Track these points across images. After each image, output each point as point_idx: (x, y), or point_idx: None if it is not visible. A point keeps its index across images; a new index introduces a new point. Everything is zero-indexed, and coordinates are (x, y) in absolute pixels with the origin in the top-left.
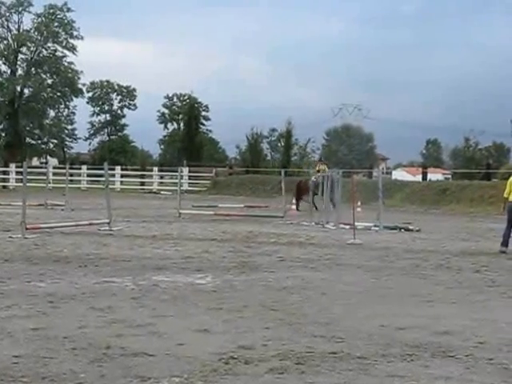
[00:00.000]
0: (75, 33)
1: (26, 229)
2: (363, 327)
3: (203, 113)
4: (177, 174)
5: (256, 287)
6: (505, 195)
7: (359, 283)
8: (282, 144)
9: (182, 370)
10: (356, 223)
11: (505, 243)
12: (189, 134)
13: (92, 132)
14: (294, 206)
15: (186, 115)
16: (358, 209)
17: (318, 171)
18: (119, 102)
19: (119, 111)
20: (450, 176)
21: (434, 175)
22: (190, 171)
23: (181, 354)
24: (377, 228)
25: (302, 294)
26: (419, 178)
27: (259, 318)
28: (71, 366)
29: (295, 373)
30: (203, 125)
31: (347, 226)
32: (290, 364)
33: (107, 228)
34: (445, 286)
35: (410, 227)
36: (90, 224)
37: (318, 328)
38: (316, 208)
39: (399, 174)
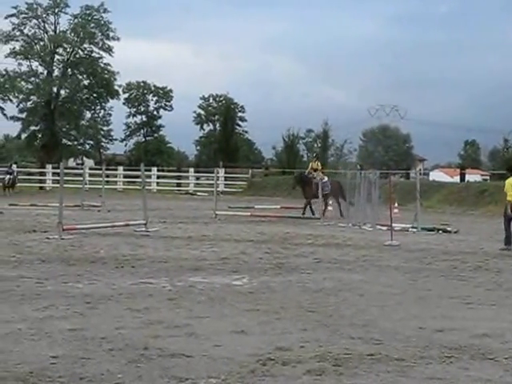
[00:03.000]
0: (111, 34)
1: (63, 230)
2: (401, 329)
3: (239, 114)
4: (213, 175)
5: (293, 289)
6: (509, 198)
7: (397, 285)
8: (319, 145)
9: (220, 371)
10: (393, 224)
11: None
12: (225, 135)
13: (128, 133)
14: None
15: (222, 116)
16: (396, 210)
17: (315, 170)
18: (155, 103)
19: (155, 112)
20: (488, 177)
21: (472, 176)
22: (226, 172)
23: (218, 355)
24: (414, 229)
25: (339, 296)
26: (457, 179)
27: (296, 320)
28: (108, 367)
29: (333, 374)
30: (239, 126)
31: (384, 228)
32: (327, 366)
33: (144, 229)
34: (484, 287)
35: (448, 229)
36: (127, 225)
37: (356, 330)
38: (313, 213)
39: (437, 175)
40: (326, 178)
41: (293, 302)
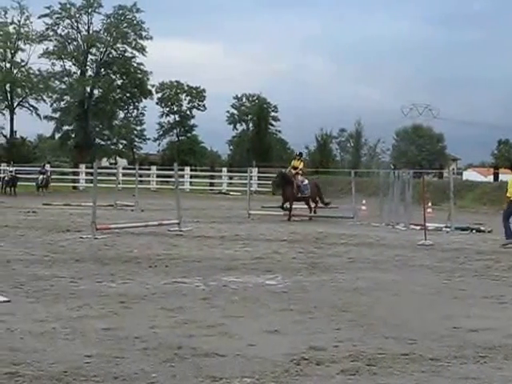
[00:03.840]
0: (144, 33)
1: (97, 229)
2: (435, 329)
3: (272, 113)
4: (246, 174)
5: (326, 288)
6: (508, 195)
7: (430, 284)
8: (352, 144)
9: (253, 370)
10: (427, 224)
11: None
12: (258, 135)
13: (161, 133)
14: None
15: (255, 116)
16: (429, 210)
17: (295, 168)
18: (188, 103)
19: (188, 112)
20: None
21: (506, 176)
22: (259, 172)
23: (252, 355)
24: (448, 229)
25: (373, 296)
26: (490, 178)
27: (330, 319)
28: (143, 366)
29: (367, 374)
30: (272, 125)
31: (418, 227)
32: (361, 365)
33: (177, 228)
34: None
35: (482, 228)
36: (160, 224)
37: (390, 329)
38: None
39: (470, 175)
40: (306, 181)
41: (326, 301)
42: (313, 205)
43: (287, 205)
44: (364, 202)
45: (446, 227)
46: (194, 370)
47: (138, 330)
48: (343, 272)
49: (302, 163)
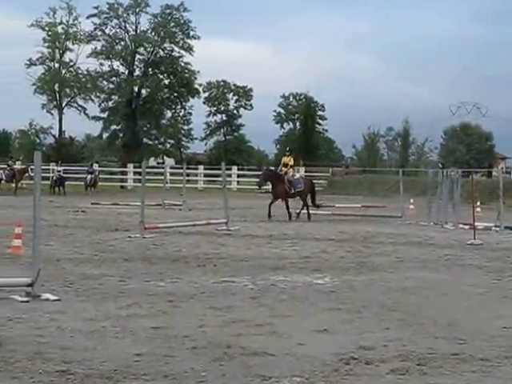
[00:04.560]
0: (192, 33)
1: (145, 228)
2: (485, 329)
3: (319, 112)
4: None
5: (375, 287)
6: None
7: (480, 284)
8: (399, 143)
9: (303, 369)
10: (476, 223)
11: None
12: (305, 134)
13: (208, 132)
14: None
15: (302, 115)
16: (478, 209)
17: (285, 165)
18: (235, 102)
19: (235, 111)
20: None
21: None
22: (306, 171)
23: (301, 354)
24: (497, 228)
25: (422, 295)
26: None
27: (379, 319)
28: (192, 365)
29: (416, 374)
30: (319, 124)
31: (466, 227)
32: (411, 365)
33: (225, 228)
34: None
35: None
36: (208, 224)
37: (439, 329)
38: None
39: None
40: (297, 175)
41: (375, 300)
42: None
43: (280, 203)
44: (412, 201)
45: (496, 226)
46: (243, 368)
47: (187, 329)
48: (392, 271)
49: (292, 160)
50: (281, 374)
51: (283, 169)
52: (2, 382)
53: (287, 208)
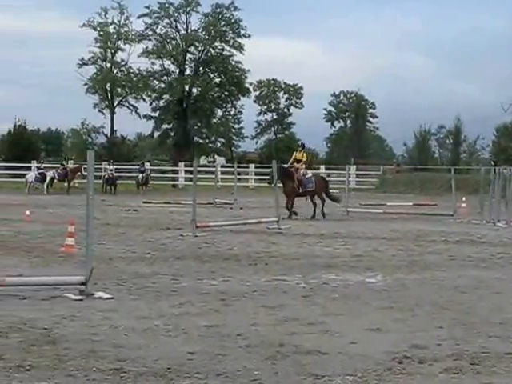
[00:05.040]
0: (242, 31)
1: (196, 227)
2: None
3: (370, 110)
4: (344, 172)
5: (427, 286)
6: None
7: None
8: (451, 141)
9: (356, 368)
10: None
11: None
12: (356, 132)
13: (259, 131)
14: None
15: (353, 113)
16: None
17: (299, 161)
18: (286, 101)
19: (286, 110)
20: None
21: None
22: (357, 169)
23: (353, 353)
24: None
25: (475, 294)
26: None
27: (431, 318)
28: (245, 363)
29: (470, 373)
30: (370, 122)
31: None
32: (464, 364)
33: (276, 226)
34: None
35: None
36: (259, 222)
37: (493, 328)
38: (294, 213)
39: None
40: (309, 173)
41: (427, 299)
42: (318, 201)
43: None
44: (464, 199)
45: None
46: (296, 367)
47: (239, 328)
48: (444, 270)
49: (305, 155)
50: (333, 372)
51: (295, 165)
52: (57, 380)
53: (291, 207)
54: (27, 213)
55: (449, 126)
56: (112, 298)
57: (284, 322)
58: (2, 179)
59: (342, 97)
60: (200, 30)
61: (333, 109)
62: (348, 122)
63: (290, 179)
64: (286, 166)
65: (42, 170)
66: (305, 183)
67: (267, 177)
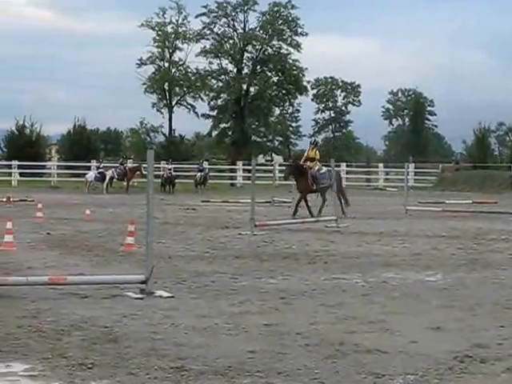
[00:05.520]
0: (300, 30)
1: (255, 226)
2: None
3: (428, 108)
4: (402, 170)
5: (488, 285)
6: None
7: None
8: (511, 138)
9: (416, 367)
10: None
11: None
12: (414, 130)
13: (316, 129)
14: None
15: (411, 110)
16: None
17: (312, 159)
18: (343, 99)
19: (343, 108)
20: None
21: None
22: (415, 167)
23: (414, 352)
24: None
25: None
26: None
27: (493, 317)
28: (305, 362)
29: None
30: (428, 120)
31: None
32: None
33: (334, 225)
34: None
35: None
36: (317, 221)
37: None
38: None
39: None
40: (323, 169)
41: (488, 298)
42: (327, 198)
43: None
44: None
45: None
46: (357, 366)
47: (299, 326)
48: (505, 268)
49: (317, 153)
50: (394, 371)
51: (308, 163)
52: (119, 378)
53: (298, 203)
54: (87, 212)
55: (508, 123)
56: (172, 297)
57: (344, 320)
58: (62, 178)
59: (399, 94)
60: (257, 29)
61: (391, 106)
62: (406, 119)
63: (303, 176)
64: (300, 162)
65: (101, 170)
66: (319, 179)
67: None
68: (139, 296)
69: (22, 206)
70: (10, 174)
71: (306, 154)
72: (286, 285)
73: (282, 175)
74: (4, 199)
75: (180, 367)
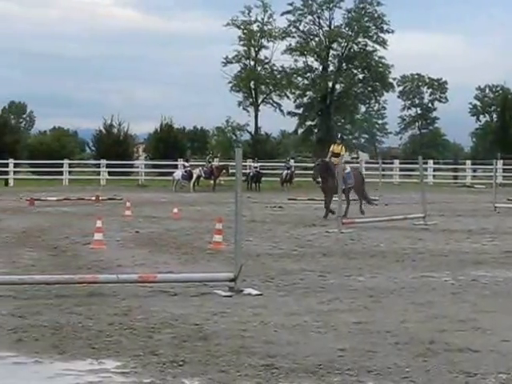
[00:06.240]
0: (385, 26)
1: (342, 224)
2: None
3: None
4: (491, 167)
5: None
6: None
7: None
8: None
9: (508, 366)
10: None
11: None
12: (502, 126)
13: (402, 126)
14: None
15: (499, 107)
16: None
17: (338, 155)
18: (430, 95)
19: (430, 104)
20: None
21: None
22: (504, 164)
23: (506, 351)
24: None
25: None
26: None
27: None
28: (395, 361)
29: None
30: None
31: None
32: None
33: (422, 222)
34: None
35: None
36: (405, 218)
37: None
38: (331, 212)
39: None
40: (348, 168)
41: None
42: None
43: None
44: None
45: None
46: (448, 364)
47: (388, 324)
48: None
49: (343, 148)
50: (486, 370)
51: (333, 159)
52: (210, 375)
53: (328, 205)
54: (175, 210)
55: None
56: (261, 295)
57: (433, 318)
58: (150, 177)
59: (487, 90)
60: (343, 26)
61: (478, 102)
62: (494, 115)
63: (331, 175)
64: (327, 160)
65: (188, 168)
66: (346, 179)
67: (410, 173)
68: (228, 294)
69: (110, 205)
70: (98, 173)
71: (331, 150)
72: (374, 283)
73: (311, 176)
74: (93, 198)
75: (270, 365)
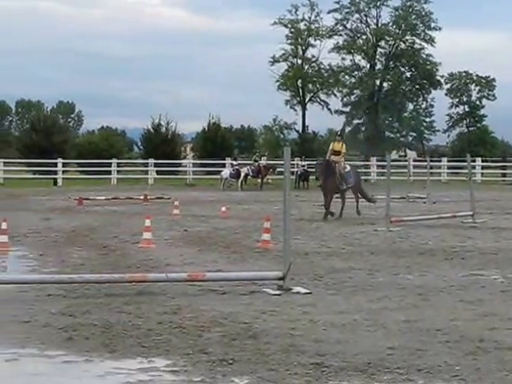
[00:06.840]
0: (433, 24)
1: (391, 222)
2: None
3: None
4: None
5: None
6: None
7: None
8: None
9: None
10: None
11: None
12: None
13: (450, 124)
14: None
15: None
16: None
17: (338, 153)
18: (478, 93)
19: (478, 102)
20: None
21: None
22: None
23: None
24: None
25: None
26: None
27: None
28: (445, 359)
29: None
30: None
31: None
32: None
33: (471, 220)
34: None
35: None
36: (453, 216)
37: None
38: (331, 213)
39: None
40: (348, 167)
41: None
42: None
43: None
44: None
45: None
46: (498, 363)
47: (438, 323)
48: None
49: (344, 146)
50: None
51: (333, 157)
52: (260, 374)
53: (328, 205)
54: (223, 209)
55: None
56: (310, 293)
57: (483, 317)
58: (197, 176)
59: None
60: (390, 24)
61: None
62: None
63: (331, 174)
64: (328, 158)
65: (236, 167)
66: (346, 178)
67: (458, 170)
68: (277, 292)
69: (158, 204)
70: (146, 173)
71: (330, 147)
72: (423, 281)
73: (315, 176)
74: (141, 197)
75: (320, 363)
